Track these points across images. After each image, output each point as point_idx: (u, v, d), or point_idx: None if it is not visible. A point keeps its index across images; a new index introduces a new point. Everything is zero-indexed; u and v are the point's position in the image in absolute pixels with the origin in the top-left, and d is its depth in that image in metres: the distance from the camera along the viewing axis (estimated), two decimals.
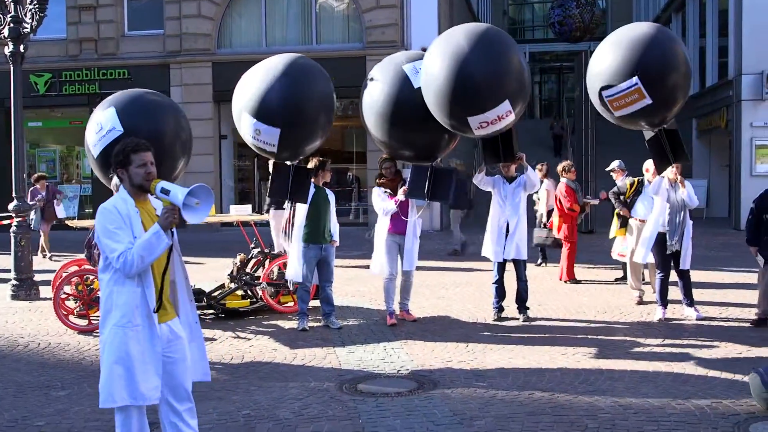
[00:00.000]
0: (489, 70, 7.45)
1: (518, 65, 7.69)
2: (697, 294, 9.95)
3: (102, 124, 7.62)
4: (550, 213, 13.72)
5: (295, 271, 9.36)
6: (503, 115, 7.51)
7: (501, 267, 9.68)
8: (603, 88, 7.81)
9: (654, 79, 7.56)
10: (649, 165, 10.45)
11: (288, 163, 8.67)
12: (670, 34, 7.94)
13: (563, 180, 12.89)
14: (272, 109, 7.99)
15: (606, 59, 7.78)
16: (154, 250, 4.36)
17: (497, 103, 7.42)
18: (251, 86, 8.21)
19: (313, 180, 9.25)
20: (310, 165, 9.26)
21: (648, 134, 8.19)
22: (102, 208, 4.50)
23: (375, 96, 8.43)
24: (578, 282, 12.50)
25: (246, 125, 8.16)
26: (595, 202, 13.71)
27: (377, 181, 9.72)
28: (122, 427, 4.51)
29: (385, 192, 9.52)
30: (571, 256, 12.74)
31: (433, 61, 7.66)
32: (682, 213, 9.29)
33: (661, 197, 9.36)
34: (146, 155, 4.56)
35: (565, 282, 12.48)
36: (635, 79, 7.57)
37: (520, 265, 9.64)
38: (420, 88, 8.00)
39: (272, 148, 8.19)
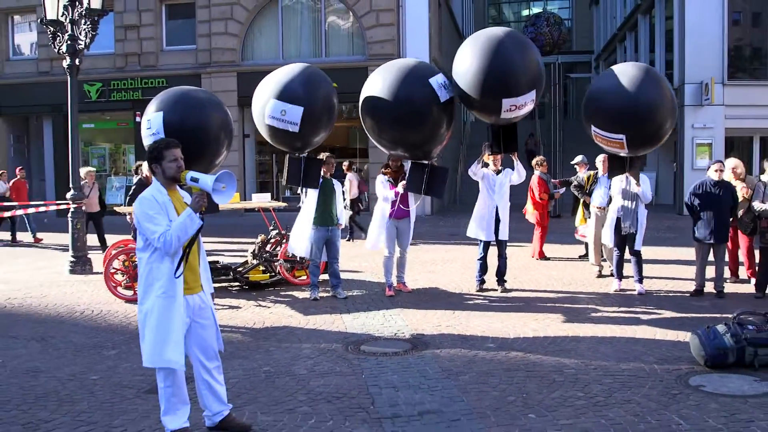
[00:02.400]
0: (527, 61, 7.53)
1: (538, 59, 7.78)
2: (647, 268, 9.95)
3: (151, 124, 7.80)
4: (353, 201, 15.43)
5: (297, 246, 9.38)
6: (529, 102, 7.55)
7: (486, 246, 9.66)
8: (593, 124, 7.83)
9: (637, 142, 7.68)
10: (601, 159, 10.45)
11: (300, 155, 8.68)
12: (664, 98, 7.71)
13: (536, 172, 12.85)
14: (296, 91, 8.20)
15: (605, 102, 7.77)
16: (188, 230, 4.38)
17: (529, 90, 7.48)
18: (275, 81, 8.34)
19: (323, 173, 9.25)
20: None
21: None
22: (141, 197, 4.49)
23: (375, 100, 8.27)
24: (547, 259, 12.51)
25: (273, 109, 8.15)
26: (561, 191, 13.69)
27: (382, 170, 9.69)
28: (164, 381, 4.53)
29: (388, 181, 9.50)
30: (542, 237, 12.72)
31: (475, 54, 7.56)
32: (635, 202, 9.27)
33: (616, 189, 9.38)
34: (176, 151, 4.57)
35: (537, 260, 12.48)
36: (623, 136, 7.61)
37: (502, 245, 9.62)
38: (422, 100, 7.90)
39: (294, 128, 8.16)
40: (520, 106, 7.52)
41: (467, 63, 7.59)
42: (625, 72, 7.74)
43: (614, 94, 7.68)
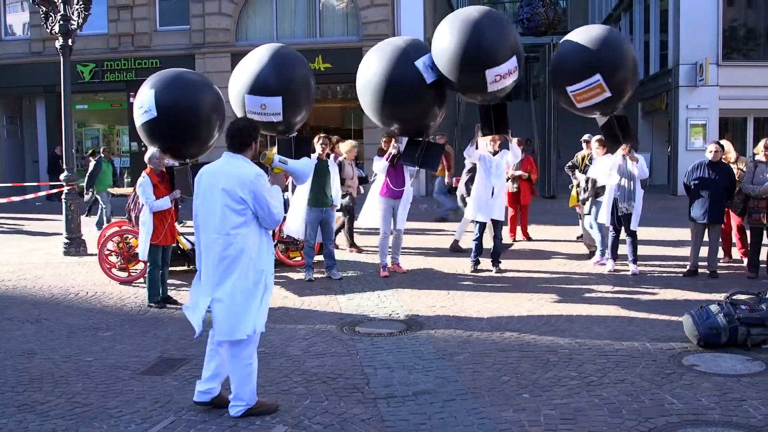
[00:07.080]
0: (500, 32, 7.53)
1: (515, 33, 7.79)
2: (641, 249, 9.95)
3: (143, 103, 7.82)
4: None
5: (292, 227, 9.38)
6: (513, 69, 7.48)
7: (482, 227, 9.64)
8: (568, 84, 7.71)
9: (613, 75, 7.52)
10: (596, 140, 10.38)
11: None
12: (620, 36, 7.88)
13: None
14: (270, 83, 7.91)
15: (569, 60, 7.69)
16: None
17: (510, 56, 7.44)
18: (247, 74, 8.10)
19: (318, 154, 9.21)
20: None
21: (601, 120, 8.11)
22: (261, 173, 4.68)
23: (371, 78, 8.20)
24: (531, 240, 12.40)
25: (250, 104, 8.05)
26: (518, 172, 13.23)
27: (378, 154, 9.67)
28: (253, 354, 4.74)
29: (386, 161, 9.41)
30: (523, 218, 12.51)
31: (450, 32, 7.53)
32: (632, 182, 9.27)
33: (613, 169, 9.35)
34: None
35: (515, 240, 12.31)
36: (598, 76, 7.50)
37: (498, 225, 9.61)
38: (429, 81, 7.86)
39: (278, 117, 8.12)
40: (504, 75, 7.48)
41: (444, 43, 7.57)
42: (583, 30, 7.84)
43: (576, 46, 7.71)
